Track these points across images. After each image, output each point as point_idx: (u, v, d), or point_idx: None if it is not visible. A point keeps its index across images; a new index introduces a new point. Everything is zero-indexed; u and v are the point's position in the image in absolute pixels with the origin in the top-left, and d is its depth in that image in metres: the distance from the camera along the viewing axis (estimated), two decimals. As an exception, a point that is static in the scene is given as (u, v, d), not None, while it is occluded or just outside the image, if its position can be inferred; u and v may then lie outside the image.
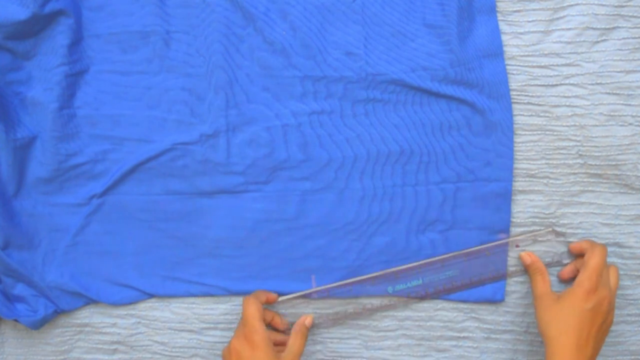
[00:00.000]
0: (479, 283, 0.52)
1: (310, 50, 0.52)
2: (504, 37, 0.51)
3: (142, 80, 0.53)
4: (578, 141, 0.51)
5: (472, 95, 0.51)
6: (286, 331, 0.53)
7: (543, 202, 0.52)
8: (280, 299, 0.53)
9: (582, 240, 0.51)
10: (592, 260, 0.47)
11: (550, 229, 0.52)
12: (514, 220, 0.52)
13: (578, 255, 0.51)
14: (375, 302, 0.53)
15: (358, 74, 0.51)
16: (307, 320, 0.52)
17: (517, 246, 0.52)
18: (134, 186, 0.54)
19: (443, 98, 0.51)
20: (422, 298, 0.53)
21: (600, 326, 0.46)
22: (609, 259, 0.52)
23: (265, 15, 0.52)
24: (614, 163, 0.50)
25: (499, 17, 0.51)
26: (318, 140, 0.52)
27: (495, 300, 0.53)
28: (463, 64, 0.50)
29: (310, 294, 0.53)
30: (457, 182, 0.52)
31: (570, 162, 0.51)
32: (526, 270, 0.52)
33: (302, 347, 0.50)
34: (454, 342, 0.54)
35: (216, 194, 0.54)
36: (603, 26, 0.49)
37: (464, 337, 0.54)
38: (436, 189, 0.52)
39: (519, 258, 0.52)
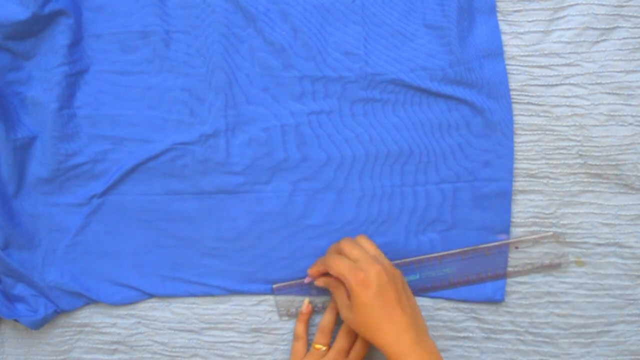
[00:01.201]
0: (477, 281, 0.52)
1: (310, 51, 0.52)
2: (504, 37, 0.51)
3: (142, 80, 0.53)
4: (578, 141, 0.51)
5: (472, 95, 0.51)
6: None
7: (543, 202, 0.52)
8: (276, 285, 0.53)
9: (314, 265, 0.50)
10: (334, 265, 0.46)
11: (550, 233, 0.52)
12: (514, 220, 0.52)
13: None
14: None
15: (357, 74, 0.51)
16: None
17: (516, 247, 0.52)
18: (134, 186, 0.54)
19: (442, 98, 0.51)
20: (419, 293, 0.53)
21: (398, 294, 0.44)
22: (609, 259, 0.52)
23: (266, 16, 0.52)
24: (614, 163, 0.50)
25: (499, 17, 0.51)
26: (317, 141, 0.52)
27: (495, 300, 0.53)
28: (463, 64, 0.50)
29: (310, 290, 0.53)
30: (457, 182, 0.52)
31: (570, 162, 0.51)
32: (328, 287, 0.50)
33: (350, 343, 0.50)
34: (454, 342, 0.54)
35: (216, 194, 0.54)
36: (603, 26, 0.49)
37: (464, 337, 0.54)
38: (435, 189, 0.52)
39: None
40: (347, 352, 0.51)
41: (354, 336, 0.51)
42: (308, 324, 0.53)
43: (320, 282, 0.50)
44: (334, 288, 0.48)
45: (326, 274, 0.49)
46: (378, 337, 0.44)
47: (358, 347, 0.51)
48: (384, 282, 0.44)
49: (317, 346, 0.51)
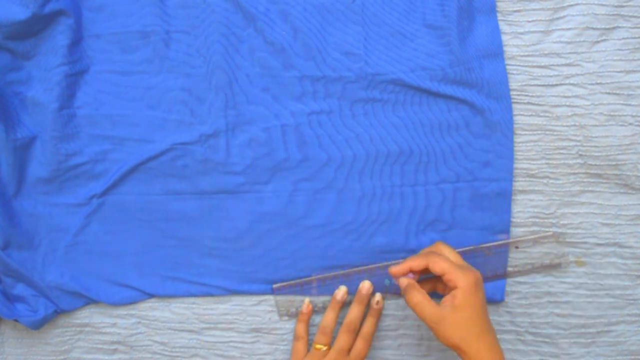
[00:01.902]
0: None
1: (310, 51, 0.52)
2: (504, 37, 0.51)
3: (142, 80, 0.53)
4: (578, 141, 0.51)
5: (472, 95, 0.51)
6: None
7: (543, 202, 0.52)
8: (276, 285, 0.53)
9: (405, 262, 0.47)
10: (444, 264, 0.44)
11: (550, 233, 0.52)
12: (514, 220, 0.52)
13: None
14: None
15: (357, 74, 0.51)
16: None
17: (516, 247, 0.52)
18: (134, 186, 0.54)
19: (442, 98, 0.51)
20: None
21: (485, 300, 0.44)
22: (609, 259, 0.52)
23: (266, 16, 0.52)
24: (614, 163, 0.50)
25: (499, 17, 0.51)
26: (317, 141, 0.52)
27: (495, 300, 0.53)
28: (463, 64, 0.50)
29: (311, 290, 0.53)
30: (457, 182, 0.52)
31: (570, 162, 0.51)
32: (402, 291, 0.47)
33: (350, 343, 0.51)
34: (454, 342, 0.54)
35: (216, 194, 0.54)
36: (603, 26, 0.49)
37: (464, 337, 0.54)
38: (435, 189, 0.52)
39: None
40: (348, 351, 0.51)
41: (354, 335, 0.51)
42: (308, 324, 0.53)
43: (405, 266, 0.47)
44: (412, 293, 0.45)
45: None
46: (475, 343, 0.42)
47: (358, 346, 0.51)
48: (479, 284, 0.44)
49: (318, 346, 0.51)
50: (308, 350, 0.52)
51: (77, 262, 0.55)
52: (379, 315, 0.53)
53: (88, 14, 0.54)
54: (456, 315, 0.43)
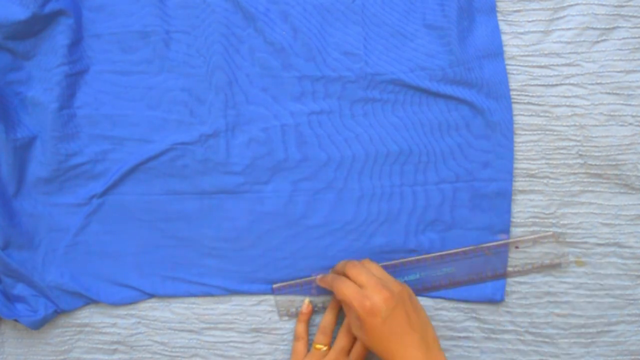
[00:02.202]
0: (478, 281, 0.52)
1: (310, 51, 0.52)
2: (504, 37, 0.51)
3: (142, 80, 0.53)
4: (578, 141, 0.51)
5: (472, 95, 0.51)
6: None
7: (543, 202, 0.52)
8: (276, 285, 0.54)
9: (325, 277, 0.50)
10: (342, 294, 0.46)
11: (550, 233, 0.52)
12: (514, 220, 0.52)
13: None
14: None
15: (357, 74, 0.51)
16: None
17: (516, 247, 0.52)
18: (134, 186, 0.54)
19: (442, 98, 0.51)
20: (419, 292, 0.53)
21: (407, 315, 0.45)
22: (609, 259, 0.52)
23: (266, 16, 0.52)
24: (614, 163, 0.50)
25: (499, 17, 0.51)
26: (317, 141, 0.52)
27: (495, 300, 0.52)
28: (463, 64, 0.50)
29: (310, 290, 0.53)
30: (456, 183, 0.52)
31: (570, 162, 0.51)
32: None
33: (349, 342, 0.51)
34: (454, 342, 0.54)
35: (216, 194, 0.54)
36: (603, 26, 0.49)
37: (464, 337, 0.54)
38: (435, 189, 0.52)
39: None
40: (348, 351, 0.51)
41: (354, 335, 0.51)
42: (308, 324, 0.53)
43: (322, 283, 0.51)
44: (344, 305, 0.48)
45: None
46: (390, 357, 0.44)
47: (359, 347, 0.51)
48: (392, 308, 0.44)
49: (318, 346, 0.51)
50: (308, 351, 0.52)
51: (77, 262, 0.55)
52: None
53: (88, 14, 0.54)
54: (365, 336, 0.45)
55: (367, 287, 0.46)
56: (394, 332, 0.44)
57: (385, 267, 0.53)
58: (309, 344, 0.53)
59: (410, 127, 0.52)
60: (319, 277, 0.52)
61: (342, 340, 0.50)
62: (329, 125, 0.52)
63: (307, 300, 0.53)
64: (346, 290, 0.46)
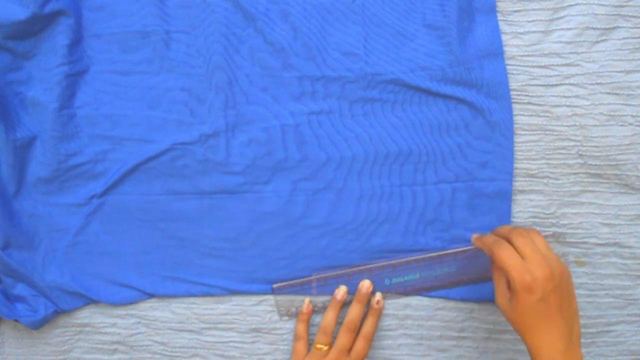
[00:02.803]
0: (477, 281, 0.52)
1: (310, 51, 0.52)
2: (504, 37, 0.51)
3: (142, 80, 0.53)
4: (578, 141, 0.51)
5: (472, 95, 0.51)
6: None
7: (543, 202, 0.52)
8: (276, 285, 0.54)
9: (481, 237, 0.47)
10: (503, 258, 0.43)
11: (550, 233, 0.52)
12: (514, 220, 0.52)
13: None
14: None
15: (357, 74, 0.51)
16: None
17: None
18: (134, 186, 0.54)
19: (442, 98, 0.51)
20: (420, 292, 0.53)
21: (561, 301, 0.43)
22: (609, 259, 0.52)
23: (266, 16, 0.52)
24: (614, 163, 0.50)
25: (499, 17, 0.51)
26: (317, 141, 0.52)
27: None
28: (463, 64, 0.50)
29: (311, 290, 0.53)
30: (456, 183, 0.52)
31: (570, 162, 0.51)
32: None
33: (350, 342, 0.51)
34: (454, 342, 0.54)
35: (216, 194, 0.54)
36: (603, 26, 0.49)
37: (464, 337, 0.54)
38: (434, 189, 0.52)
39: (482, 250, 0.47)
40: (349, 350, 0.51)
41: (354, 335, 0.51)
42: (309, 323, 0.53)
43: (478, 243, 0.47)
44: (495, 270, 0.46)
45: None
46: (530, 339, 0.42)
47: (359, 346, 0.51)
48: (549, 289, 0.42)
49: (319, 346, 0.51)
50: (308, 350, 0.52)
51: (77, 262, 0.55)
52: (380, 314, 0.53)
53: (88, 14, 0.54)
54: (512, 309, 0.43)
55: (531, 261, 0.42)
56: (543, 315, 0.42)
57: (385, 267, 0.53)
58: (309, 344, 0.53)
59: (410, 127, 0.52)
60: (475, 236, 0.48)
61: (342, 340, 0.50)
62: (329, 125, 0.52)
63: (307, 300, 0.53)
64: (507, 258, 0.43)
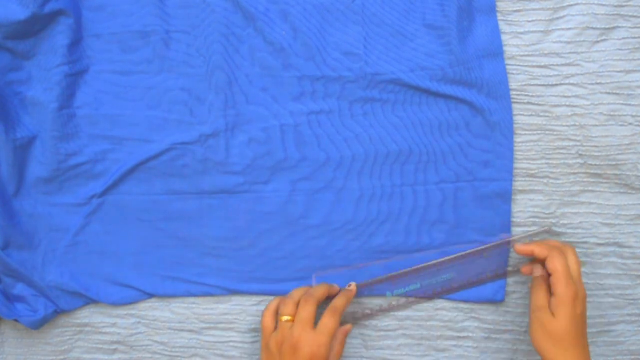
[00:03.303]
0: (477, 283, 0.53)
1: (310, 51, 0.52)
2: (504, 37, 0.51)
3: (142, 80, 0.53)
4: (578, 141, 0.51)
5: (472, 95, 0.51)
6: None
7: (543, 202, 0.52)
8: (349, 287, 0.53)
9: (531, 244, 0.49)
10: (559, 267, 0.45)
11: (546, 228, 0.52)
12: (514, 220, 0.52)
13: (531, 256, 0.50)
14: (376, 302, 0.53)
15: (357, 74, 0.51)
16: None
17: (513, 247, 0.52)
18: (134, 186, 0.54)
19: (442, 98, 0.51)
20: (421, 299, 0.53)
21: (585, 325, 0.46)
22: (609, 259, 0.52)
23: (266, 16, 0.52)
24: (614, 163, 0.50)
25: (499, 17, 0.51)
26: (316, 141, 0.52)
27: (496, 300, 0.53)
28: (463, 64, 0.50)
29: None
30: (457, 183, 0.52)
31: (570, 162, 0.51)
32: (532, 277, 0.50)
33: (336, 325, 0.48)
34: (454, 342, 0.54)
35: (216, 194, 0.54)
36: (603, 26, 0.49)
37: (464, 337, 0.54)
38: (435, 189, 0.52)
39: (529, 266, 0.49)
40: (313, 322, 0.48)
41: (329, 315, 0.48)
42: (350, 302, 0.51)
43: (526, 270, 0.49)
44: (536, 283, 0.48)
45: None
46: (562, 354, 0.45)
47: (325, 319, 0.48)
48: (585, 307, 0.46)
49: (283, 318, 0.48)
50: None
51: (77, 262, 0.55)
52: (351, 298, 0.51)
53: (88, 14, 0.54)
54: (551, 323, 0.45)
55: (578, 279, 0.46)
56: (580, 331, 0.45)
57: (384, 281, 0.53)
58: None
59: (411, 127, 0.52)
60: (521, 246, 0.49)
61: (305, 311, 0.47)
62: (329, 125, 0.52)
63: (354, 284, 0.52)
64: (563, 268, 0.45)
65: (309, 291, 0.50)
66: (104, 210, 0.55)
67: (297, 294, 0.50)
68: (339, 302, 0.50)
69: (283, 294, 0.54)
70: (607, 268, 0.52)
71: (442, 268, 0.52)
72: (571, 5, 0.49)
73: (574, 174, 0.51)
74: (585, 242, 0.52)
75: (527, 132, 0.51)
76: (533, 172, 0.52)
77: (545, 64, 0.50)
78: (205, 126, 0.53)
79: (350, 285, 0.52)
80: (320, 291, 0.50)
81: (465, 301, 0.53)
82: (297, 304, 0.49)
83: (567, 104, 0.50)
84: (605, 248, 0.52)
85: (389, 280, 0.53)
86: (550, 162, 0.51)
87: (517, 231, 0.52)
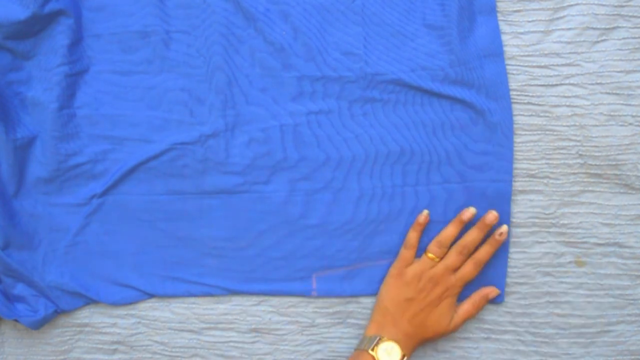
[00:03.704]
0: (478, 284, 0.52)
1: (310, 51, 0.52)
2: (504, 37, 0.51)
3: (142, 80, 0.54)
4: (578, 141, 0.51)
5: (472, 95, 0.51)
6: None
7: (543, 202, 0.52)
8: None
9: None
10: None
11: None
12: (514, 220, 0.52)
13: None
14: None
15: (357, 74, 0.51)
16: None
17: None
18: (134, 186, 0.54)
19: (443, 98, 0.51)
20: None
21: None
22: (609, 259, 0.52)
23: (266, 16, 0.52)
24: (614, 163, 0.50)
25: (499, 17, 0.51)
26: (315, 141, 0.52)
27: (495, 300, 0.52)
28: (463, 64, 0.50)
29: (310, 292, 0.53)
30: (457, 183, 0.52)
31: (570, 162, 0.51)
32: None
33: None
34: (453, 343, 0.54)
35: (216, 194, 0.54)
36: (603, 26, 0.49)
37: (464, 337, 0.54)
38: (435, 189, 0.52)
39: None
40: (454, 270, 0.50)
41: (464, 258, 0.50)
42: (421, 235, 0.52)
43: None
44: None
45: None
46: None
47: (467, 268, 0.50)
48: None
49: (430, 255, 0.51)
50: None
51: (77, 262, 0.55)
52: (498, 246, 0.51)
53: (88, 14, 0.54)
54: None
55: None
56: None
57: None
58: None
59: (412, 126, 0.52)
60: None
61: (451, 258, 0.50)
62: (328, 126, 0.52)
63: (426, 211, 0.52)
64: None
65: (463, 242, 0.50)
66: (104, 210, 0.55)
67: (448, 236, 0.51)
68: (483, 253, 0.51)
69: (283, 294, 0.54)
70: (607, 268, 0.52)
71: None
72: (571, 5, 0.49)
73: (574, 174, 0.51)
74: (585, 242, 0.52)
75: (527, 132, 0.51)
76: (533, 172, 0.51)
77: (545, 64, 0.50)
78: (205, 126, 0.53)
79: (500, 233, 0.50)
80: (472, 244, 0.51)
81: (465, 301, 0.53)
82: (447, 248, 0.51)
83: (567, 104, 0.50)
84: (605, 248, 0.52)
85: None
86: (550, 162, 0.51)
87: (517, 231, 0.52)
